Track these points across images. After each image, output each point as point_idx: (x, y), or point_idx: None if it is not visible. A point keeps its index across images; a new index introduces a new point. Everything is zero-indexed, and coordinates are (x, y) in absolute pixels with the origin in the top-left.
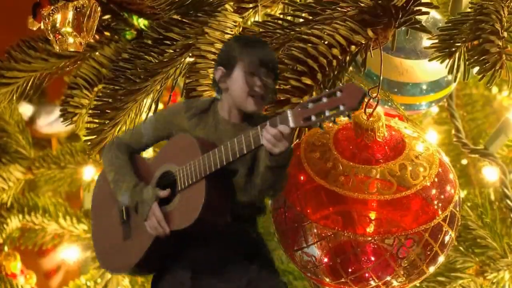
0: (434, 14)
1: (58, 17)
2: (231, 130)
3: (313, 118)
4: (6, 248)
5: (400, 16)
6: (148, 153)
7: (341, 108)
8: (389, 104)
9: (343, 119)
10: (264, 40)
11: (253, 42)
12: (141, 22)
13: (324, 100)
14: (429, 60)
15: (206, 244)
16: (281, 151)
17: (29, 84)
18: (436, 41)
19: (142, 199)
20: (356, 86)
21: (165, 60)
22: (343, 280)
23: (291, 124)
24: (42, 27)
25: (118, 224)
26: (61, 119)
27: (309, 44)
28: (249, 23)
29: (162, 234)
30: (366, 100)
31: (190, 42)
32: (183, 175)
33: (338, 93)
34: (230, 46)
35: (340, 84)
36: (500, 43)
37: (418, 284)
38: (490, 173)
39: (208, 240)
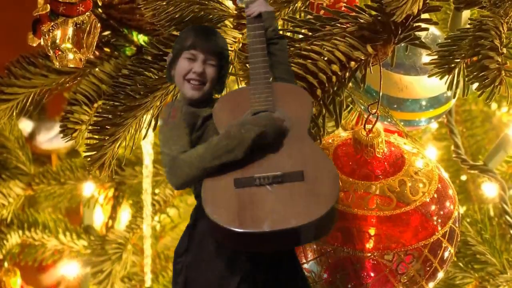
0: (433, 30)
1: (58, 33)
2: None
3: None
4: (6, 264)
5: (399, 32)
6: (148, 170)
7: None
8: (389, 120)
9: (342, 134)
10: (215, 29)
11: (202, 29)
12: (141, 38)
13: None
14: (429, 76)
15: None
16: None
17: (29, 100)
18: (436, 57)
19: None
20: None
21: (165, 76)
22: None
23: None
24: (42, 43)
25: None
26: (61, 135)
27: (309, 60)
28: None
29: None
30: (365, 116)
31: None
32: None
33: None
34: (182, 33)
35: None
36: (500, 59)
37: None
38: (489, 189)
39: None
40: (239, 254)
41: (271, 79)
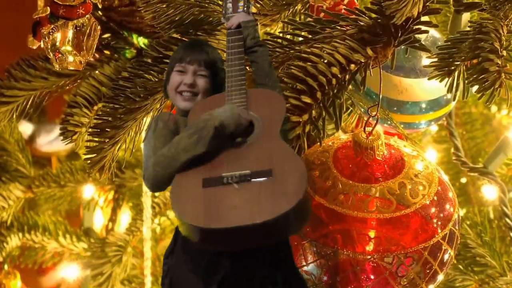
0: (433, 32)
1: (58, 35)
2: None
3: None
4: (6, 267)
5: (399, 34)
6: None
7: None
8: (389, 122)
9: (342, 137)
10: (206, 42)
11: (191, 43)
12: (141, 41)
13: None
14: (429, 79)
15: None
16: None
17: (29, 103)
18: (436, 59)
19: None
20: None
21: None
22: None
23: None
24: (42, 45)
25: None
26: (61, 137)
27: (309, 63)
28: None
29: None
30: (365, 118)
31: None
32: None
33: None
34: (176, 49)
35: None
36: (499, 62)
37: None
38: (489, 192)
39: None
40: (220, 254)
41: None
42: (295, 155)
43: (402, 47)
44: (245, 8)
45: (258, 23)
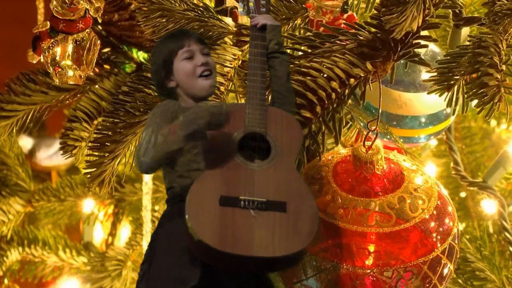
0: (433, 47)
1: (58, 50)
2: None
3: None
4: (6, 281)
5: (399, 49)
6: (148, 187)
7: None
8: (388, 137)
9: (342, 151)
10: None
11: (175, 33)
12: (141, 55)
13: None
14: (428, 93)
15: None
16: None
17: (29, 117)
18: (435, 74)
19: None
20: None
21: None
22: None
23: None
24: (42, 60)
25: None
26: (61, 152)
27: (308, 77)
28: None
29: None
30: (365, 133)
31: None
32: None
33: None
34: (157, 51)
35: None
36: (499, 76)
37: None
38: (488, 206)
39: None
40: (194, 262)
41: (266, 95)
42: (309, 191)
43: (402, 61)
44: (266, 10)
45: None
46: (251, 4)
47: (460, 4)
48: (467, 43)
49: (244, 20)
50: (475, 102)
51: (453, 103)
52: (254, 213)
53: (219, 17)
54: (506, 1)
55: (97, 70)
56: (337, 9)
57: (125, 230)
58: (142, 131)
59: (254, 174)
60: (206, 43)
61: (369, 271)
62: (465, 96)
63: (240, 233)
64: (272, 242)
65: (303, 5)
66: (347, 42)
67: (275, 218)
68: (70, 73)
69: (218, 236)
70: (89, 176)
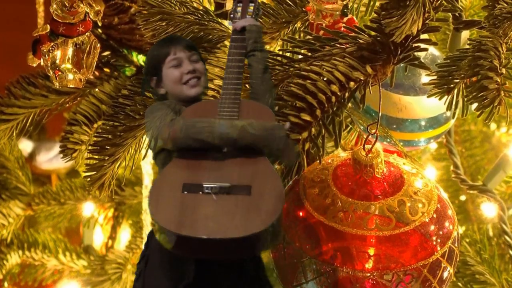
0: (432, 50)
1: (58, 53)
2: None
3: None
4: (6, 284)
5: (399, 52)
6: (148, 190)
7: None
8: (388, 140)
9: (342, 155)
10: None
11: (164, 40)
12: (141, 59)
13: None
14: (428, 97)
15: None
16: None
17: (29, 121)
18: (435, 77)
19: None
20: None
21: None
22: None
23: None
24: (42, 63)
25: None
26: (61, 155)
27: (308, 81)
28: None
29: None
30: (365, 136)
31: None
32: None
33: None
34: (150, 56)
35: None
36: (499, 80)
37: None
38: (488, 209)
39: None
40: (187, 261)
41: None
42: (276, 174)
43: (402, 65)
44: (254, 15)
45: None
46: (238, 9)
47: (460, 7)
48: (467, 46)
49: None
50: (475, 105)
51: (453, 107)
52: (216, 198)
53: (219, 20)
54: (506, 5)
55: (97, 73)
56: (337, 13)
57: (125, 233)
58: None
59: (221, 161)
60: (196, 48)
61: (369, 274)
62: (465, 99)
63: (200, 216)
64: (232, 224)
65: (303, 9)
66: (347, 45)
67: (237, 201)
68: (70, 76)
69: (177, 220)
70: (89, 179)
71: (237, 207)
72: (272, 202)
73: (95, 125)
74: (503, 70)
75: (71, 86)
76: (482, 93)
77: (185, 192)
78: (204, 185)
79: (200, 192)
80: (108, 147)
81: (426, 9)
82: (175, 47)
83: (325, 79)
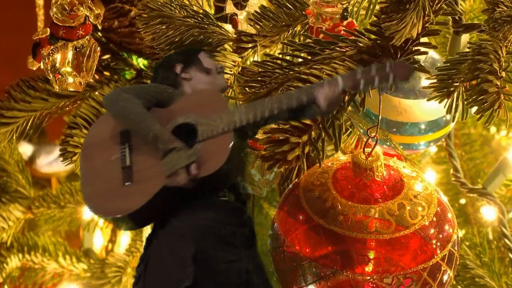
0: (432, 54)
1: (58, 57)
2: None
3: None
4: (6, 287)
5: (398, 56)
6: None
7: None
8: (388, 143)
9: (342, 158)
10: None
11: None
12: (141, 62)
13: (373, 70)
14: (428, 100)
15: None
16: (330, 108)
17: (29, 124)
18: (435, 81)
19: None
20: (405, 63)
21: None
22: None
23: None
24: (42, 66)
25: (118, 168)
26: (61, 158)
27: (308, 84)
28: (248, 62)
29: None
30: (365, 139)
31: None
32: (207, 127)
33: (388, 67)
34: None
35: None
36: (499, 83)
37: None
38: (488, 213)
39: (210, 208)
40: (188, 262)
41: None
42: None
43: None
44: None
45: (258, 44)
46: None
47: (460, 11)
48: (467, 50)
49: (244, 26)
50: (474, 108)
51: (453, 110)
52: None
53: (219, 24)
54: (505, 8)
55: (97, 76)
56: (337, 16)
57: (125, 236)
58: None
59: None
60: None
61: (369, 277)
62: (465, 102)
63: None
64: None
65: (303, 12)
66: (347, 49)
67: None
68: (70, 79)
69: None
70: None
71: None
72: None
73: None
74: (503, 74)
75: (71, 89)
76: (482, 97)
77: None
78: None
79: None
80: None
81: (426, 12)
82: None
83: None
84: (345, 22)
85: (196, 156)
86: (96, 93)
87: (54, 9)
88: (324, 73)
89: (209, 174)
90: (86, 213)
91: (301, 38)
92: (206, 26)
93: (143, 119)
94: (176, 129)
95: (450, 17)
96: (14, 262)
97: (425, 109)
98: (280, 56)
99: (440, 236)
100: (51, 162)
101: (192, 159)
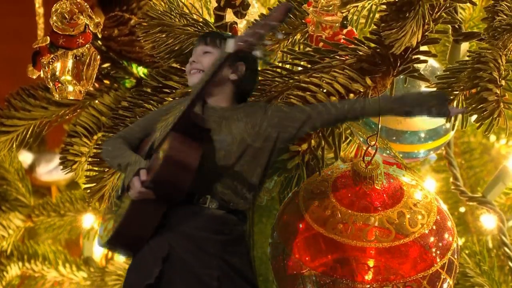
0: (432, 62)
1: (58, 65)
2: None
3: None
4: None
5: (398, 64)
6: None
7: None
8: (388, 152)
9: (342, 166)
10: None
11: None
12: (141, 71)
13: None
14: None
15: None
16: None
17: (29, 132)
18: (435, 89)
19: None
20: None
21: (164, 108)
22: None
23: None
24: (42, 75)
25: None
26: (61, 167)
27: (308, 92)
28: None
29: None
30: (364, 148)
31: (189, 90)
32: (160, 132)
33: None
34: None
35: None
36: (498, 91)
37: None
38: (488, 221)
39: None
40: (157, 263)
41: None
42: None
43: (401, 76)
44: None
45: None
46: None
47: (460, 19)
48: (467, 58)
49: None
50: (474, 117)
51: (453, 118)
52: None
53: (218, 31)
54: (505, 16)
55: (97, 85)
56: (337, 25)
57: None
58: None
59: None
60: (215, 41)
61: (368, 286)
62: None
63: None
64: None
65: (303, 20)
66: (347, 57)
67: None
68: (70, 88)
69: None
70: (89, 191)
71: None
72: None
73: (95, 137)
74: (503, 82)
75: (71, 98)
76: (481, 105)
77: None
78: None
79: None
80: None
81: (426, 21)
82: (201, 40)
83: (324, 91)
84: (344, 31)
85: (148, 163)
86: (96, 101)
87: (54, 18)
88: (324, 81)
89: (156, 174)
90: (86, 222)
91: (301, 47)
92: None
93: (120, 154)
94: (150, 150)
95: (449, 26)
96: (14, 270)
97: (425, 117)
98: (280, 64)
99: (440, 244)
100: (51, 171)
101: (141, 166)
